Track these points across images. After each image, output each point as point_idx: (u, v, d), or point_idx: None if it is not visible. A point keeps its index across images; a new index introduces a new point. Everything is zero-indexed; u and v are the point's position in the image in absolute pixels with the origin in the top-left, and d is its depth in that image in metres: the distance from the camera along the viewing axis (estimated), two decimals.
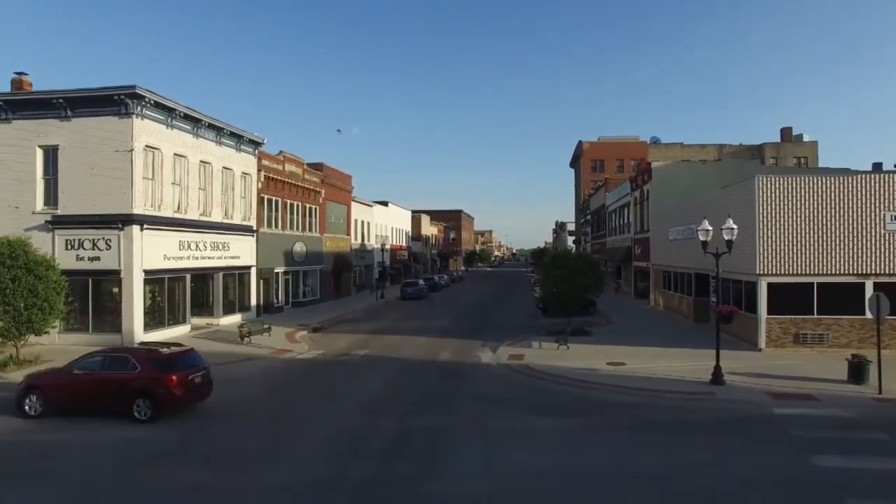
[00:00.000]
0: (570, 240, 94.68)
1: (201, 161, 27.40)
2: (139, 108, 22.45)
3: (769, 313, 20.38)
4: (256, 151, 32.72)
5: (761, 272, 20.42)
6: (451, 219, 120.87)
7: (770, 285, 20.38)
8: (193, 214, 26.75)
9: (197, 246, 26.86)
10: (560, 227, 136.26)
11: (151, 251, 23.44)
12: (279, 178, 35.62)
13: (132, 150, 22.35)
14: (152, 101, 22.93)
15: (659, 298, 36.69)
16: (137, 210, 22.65)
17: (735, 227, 15.80)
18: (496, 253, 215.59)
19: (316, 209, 41.53)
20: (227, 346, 23.17)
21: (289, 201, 37.15)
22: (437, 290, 56.46)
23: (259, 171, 33.11)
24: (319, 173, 42.14)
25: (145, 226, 22.99)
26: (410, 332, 27.62)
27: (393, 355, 21.63)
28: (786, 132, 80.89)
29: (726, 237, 15.74)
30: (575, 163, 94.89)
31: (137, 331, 22.61)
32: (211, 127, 27.80)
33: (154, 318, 24.35)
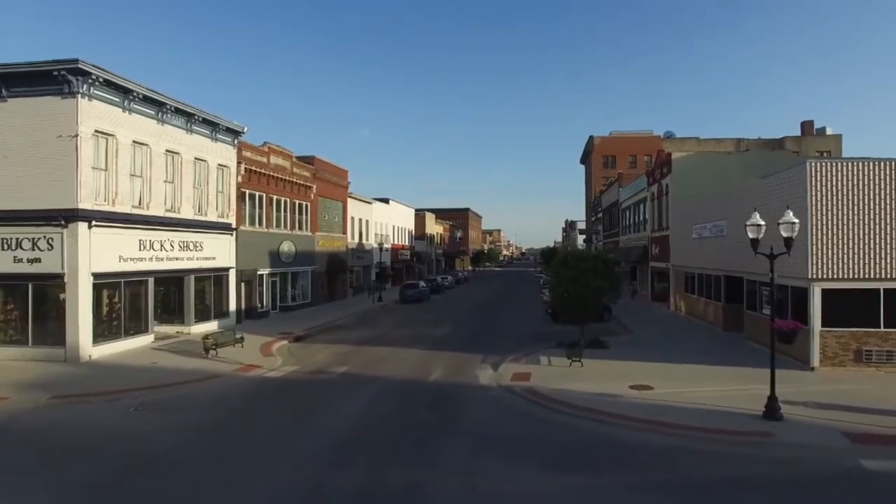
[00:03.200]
0: (581, 238, 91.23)
1: (167, 150, 24.38)
2: (85, 86, 19.44)
3: (824, 325, 17.04)
4: (236, 142, 29.68)
5: (814, 276, 17.08)
6: (458, 217, 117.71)
7: (825, 292, 17.04)
8: (158, 210, 23.74)
9: (162, 246, 23.85)
10: (570, 226, 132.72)
11: (103, 251, 20.45)
12: (263, 171, 32.59)
13: (77, 135, 19.34)
14: (101, 79, 19.91)
15: (680, 303, 33.31)
16: (84, 204, 19.66)
17: (796, 220, 12.52)
18: (504, 252, 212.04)
19: (307, 206, 38.47)
20: (187, 360, 20.13)
21: (275, 197, 34.11)
22: (440, 292, 53.36)
23: (239, 163, 30.08)
24: (310, 167, 39.07)
25: (94, 222, 19.99)
26: (403, 343, 24.47)
27: (377, 374, 18.49)
28: (806, 125, 77.04)
29: (785, 233, 12.46)
30: (585, 159, 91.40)
31: (84, 343, 19.62)
32: (179, 112, 24.75)
33: (110, 327, 21.38)
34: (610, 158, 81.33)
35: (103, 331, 20.95)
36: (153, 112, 23.29)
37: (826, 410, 13.07)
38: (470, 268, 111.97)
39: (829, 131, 76.68)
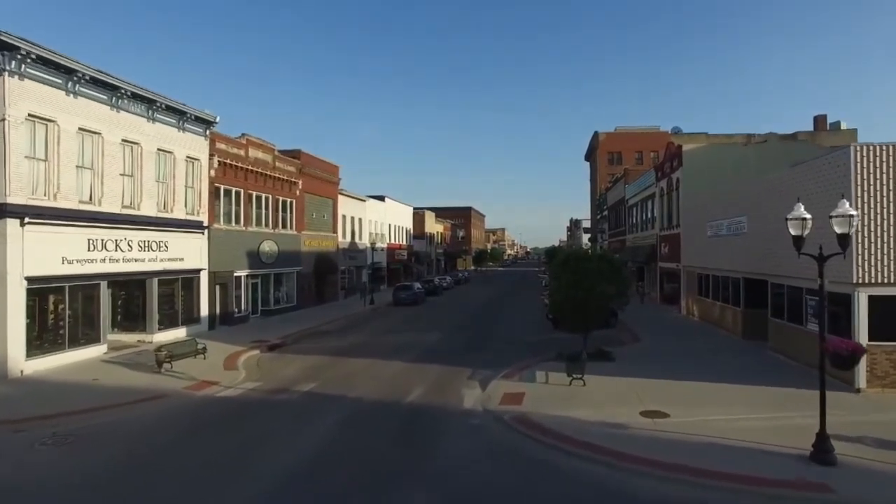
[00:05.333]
0: (586, 237, 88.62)
1: (124, 140, 21.95)
2: (14, 63, 17.03)
3: (871, 339, 14.39)
4: (208, 132, 27.24)
5: (859, 280, 14.46)
6: (460, 216, 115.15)
7: (872, 299, 14.40)
8: (112, 206, 21.33)
9: (117, 246, 21.43)
10: (575, 225, 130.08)
11: (41, 252, 18.04)
12: (241, 164, 30.14)
13: (5, 119, 16.94)
14: (34, 56, 17.49)
15: (693, 306, 30.67)
16: (15, 199, 17.27)
17: (854, 212, 9.94)
18: (509, 252, 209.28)
19: (291, 203, 36.01)
20: (136, 376, 17.69)
21: (254, 193, 31.66)
22: (437, 294, 50.82)
23: (212, 155, 27.63)
24: (296, 161, 36.61)
25: (28, 219, 17.58)
26: (385, 353, 21.96)
27: (347, 393, 15.98)
28: (819, 120, 73.80)
29: (839, 229, 9.87)
30: (590, 155, 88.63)
31: (14, 356, 17.21)
32: (137, 98, 22.32)
33: (53, 337, 18.98)
34: (615, 155, 78.53)
35: (43, 342, 18.56)
36: (105, 97, 20.88)
37: (890, 451, 10.47)
38: (472, 267, 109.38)
39: (843, 126, 73.63)
